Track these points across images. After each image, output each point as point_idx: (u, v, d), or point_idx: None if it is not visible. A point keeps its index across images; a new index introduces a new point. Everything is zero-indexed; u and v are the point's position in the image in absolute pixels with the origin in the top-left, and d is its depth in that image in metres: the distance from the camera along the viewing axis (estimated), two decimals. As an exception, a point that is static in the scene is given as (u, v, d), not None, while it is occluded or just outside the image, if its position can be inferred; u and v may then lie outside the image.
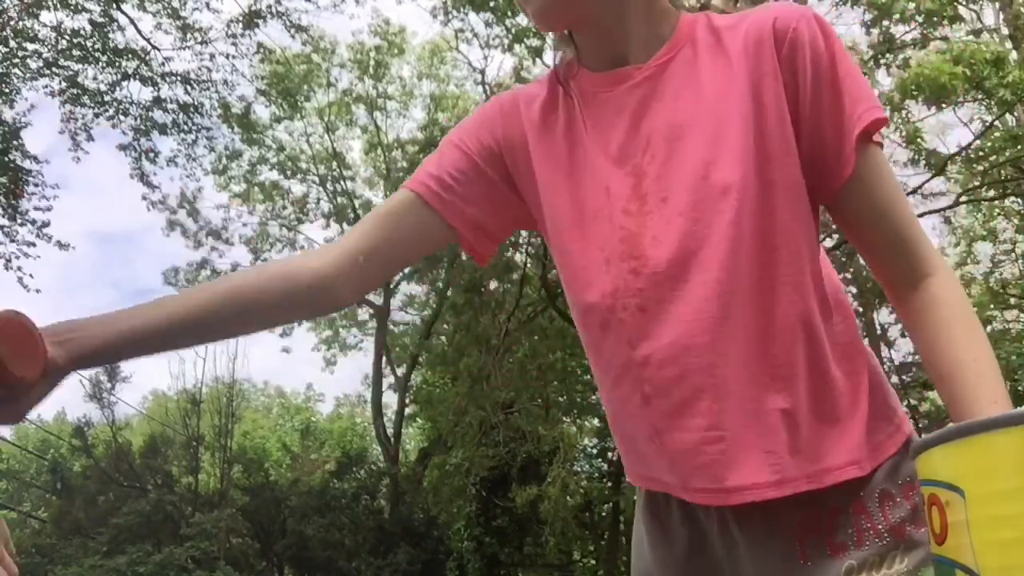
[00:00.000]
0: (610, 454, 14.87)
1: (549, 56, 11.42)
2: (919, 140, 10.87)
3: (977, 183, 12.22)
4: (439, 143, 1.12)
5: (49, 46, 12.08)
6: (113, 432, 16.13)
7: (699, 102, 0.95)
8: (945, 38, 10.66)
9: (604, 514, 14.22)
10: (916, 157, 11.35)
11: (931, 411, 14.26)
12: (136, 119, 13.17)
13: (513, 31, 11.84)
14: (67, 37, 12.06)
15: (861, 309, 14.50)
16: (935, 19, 10.26)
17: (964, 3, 11.21)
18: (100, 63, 12.54)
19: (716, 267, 0.90)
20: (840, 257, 10.80)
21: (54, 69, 12.22)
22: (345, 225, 19.39)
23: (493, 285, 13.68)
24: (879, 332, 14.96)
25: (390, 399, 19.05)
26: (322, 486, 15.68)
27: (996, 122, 11.45)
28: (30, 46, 11.90)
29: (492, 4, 11.93)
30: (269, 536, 15.43)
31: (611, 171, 0.98)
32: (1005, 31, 12.90)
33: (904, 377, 14.69)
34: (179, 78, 13.05)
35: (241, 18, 12.88)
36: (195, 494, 15.50)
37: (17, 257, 12.09)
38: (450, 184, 1.05)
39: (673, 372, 0.91)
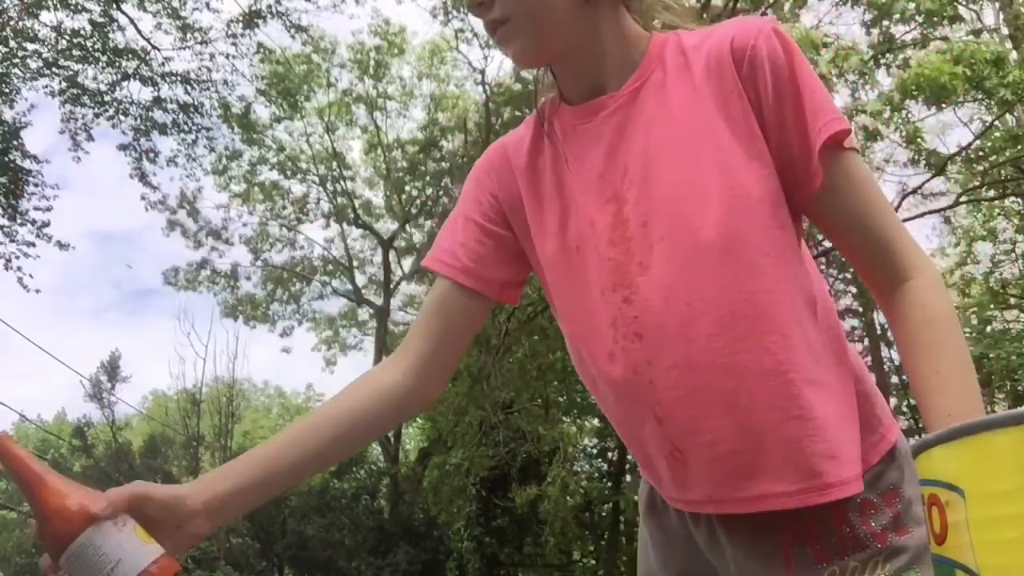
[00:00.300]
0: (610, 454, 14.88)
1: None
2: (919, 140, 10.87)
3: (977, 183, 12.21)
4: (450, 214, 1.16)
5: (49, 46, 12.08)
6: (113, 432, 16.14)
7: (671, 124, 0.97)
8: (945, 38, 10.66)
9: (604, 514, 14.21)
10: (916, 157, 11.35)
11: (931, 411, 14.26)
12: (136, 119, 13.19)
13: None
14: (67, 37, 12.06)
15: (861, 309, 14.51)
16: (935, 19, 10.26)
17: (964, 3, 11.21)
18: (100, 63, 12.54)
19: (701, 286, 0.92)
20: (840, 257, 10.79)
21: (54, 69, 12.22)
22: (345, 225, 19.42)
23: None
24: (879, 332, 14.96)
25: (390, 399, 19.05)
26: (322, 486, 15.67)
27: (996, 122, 11.45)
28: (30, 46, 11.91)
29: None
30: (269, 536, 15.44)
31: (593, 202, 1.01)
32: (1005, 31, 12.91)
33: (904, 377, 14.70)
34: (179, 78, 13.06)
35: (241, 18, 12.88)
36: (195, 494, 15.50)
37: (17, 257, 12.12)
38: (472, 258, 1.10)
39: (679, 394, 0.93)
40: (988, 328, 12.64)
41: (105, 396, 15.82)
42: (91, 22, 12.18)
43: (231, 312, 18.88)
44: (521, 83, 13.63)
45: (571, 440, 11.58)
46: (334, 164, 18.92)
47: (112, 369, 16.02)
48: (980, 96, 10.12)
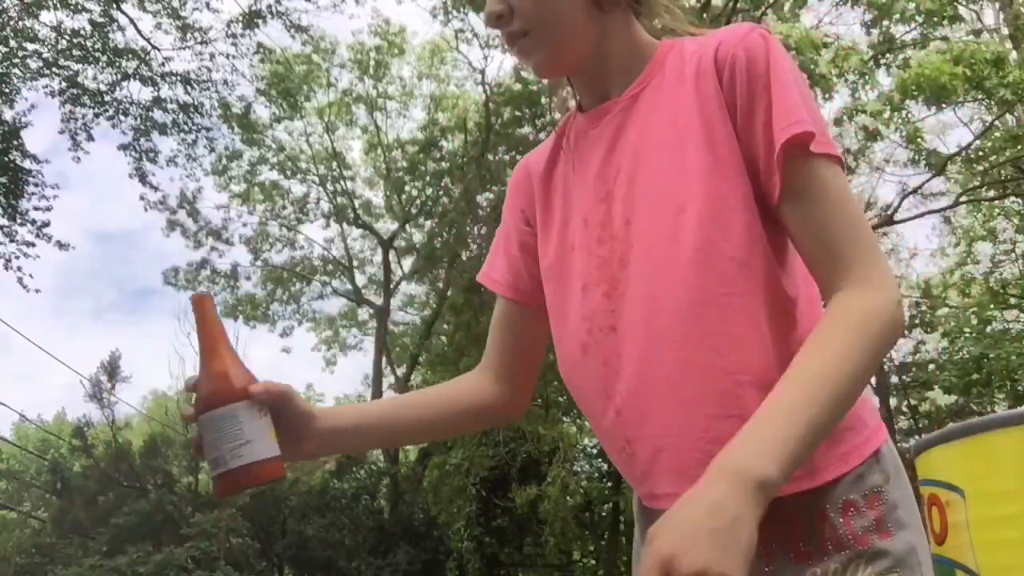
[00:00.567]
0: (610, 454, 14.86)
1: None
2: (919, 140, 10.87)
3: (977, 183, 12.21)
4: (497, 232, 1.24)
5: (49, 46, 12.08)
6: (113, 432, 16.13)
7: (663, 126, 1.00)
8: (945, 38, 10.66)
9: (604, 514, 14.22)
10: (916, 157, 11.35)
11: (931, 411, 14.26)
12: (136, 119, 13.18)
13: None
14: (67, 37, 12.06)
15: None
16: (935, 19, 10.26)
17: (964, 3, 11.21)
18: (100, 63, 12.54)
19: (670, 285, 0.95)
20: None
21: (54, 69, 12.22)
22: (345, 225, 19.42)
23: (493, 285, 13.66)
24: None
25: (390, 399, 19.06)
26: (322, 486, 15.67)
27: (996, 122, 11.45)
28: (30, 46, 11.91)
29: None
30: (269, 536, 15.43)
31: (589, 201, 1.06)
32: (1005, 31, 12.90)
33: (904, 377, 14.69)
34: (179, 78, 13.06)
35: (241, 18, 12.88)
36: (195, 494, 15.49)
37: (17, 257, 12.10)
38: (511, 271, 1.19)
39: (634, 386, 0.97)
40: (988, 328, 12.63)
41: (105, 396, 15.81)
42: (91, 22, 12.18)
43: (231, 312, 18.89)
44: (521, 83, 13.64)
45: (571, 440, 11.58)
46: (334, 164, 18.92)
47: (112, 369, 15.99)
48: (980, 96, 10.12)
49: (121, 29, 12.48)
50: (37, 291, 12.50)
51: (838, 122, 11.06)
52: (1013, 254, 13.83)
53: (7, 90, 11.58)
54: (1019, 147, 10.69)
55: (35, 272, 12.34)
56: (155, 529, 14.05)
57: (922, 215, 12.85)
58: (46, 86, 12.29)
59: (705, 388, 0.93)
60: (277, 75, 16.36)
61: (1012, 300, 13.04)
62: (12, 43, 11.70)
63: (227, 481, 0.93)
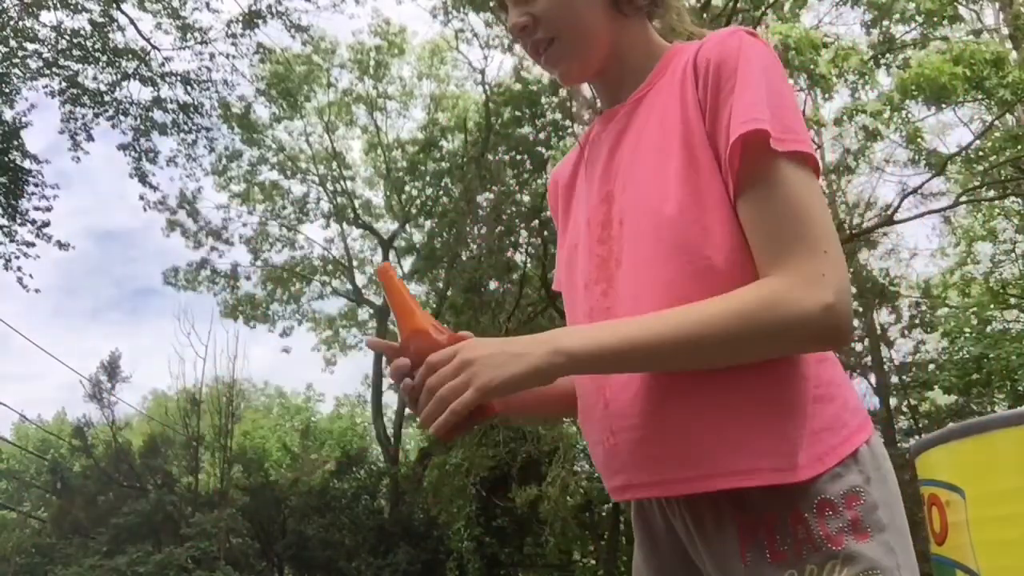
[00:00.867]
0: (610, 454, 14.84)
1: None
2: (919, 140, 10.87)
3: (977, 183, 12.21)
4: None
5: (49, 46, 12.07)
6: (113, 432, 16.11)
7: (655, 129, 1.04)
8: (945, 38, 10.67)
9: (604, 514, 14.21)
10: (916, 157, 11.35)
11: (931, 411, 14.26)
12: (136, 119, 13.17)
13: (513, 31, 11.83)
14: (67, 37, 12.05)
15: (861, 309, 14.50)
16: (935, 19, 10.26)
17: (964, 3, 11.21)
18: (100, 63, 12.53)
19: (653, 283, 0.99)
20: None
21: (54, 69, 12.21)
22: (345, 225, 19.42)
23: (493, 285, 13.67)
24: (879, 332, 14.96)
25: (390, 399, 19.05)
26: (322, 486, 15.66)
27: (996, 122, 11.45)
28: (30, 46, 11.90)
29: (492, 4, 11.92)
30: (269, 536, 15.42)
31: (594, 203, 1.10)
32: (1005, 31, 12.91)
33: (904, 377, 14.69)
34: (179, 78, 13.05)
35: (241, 18, 12.88)
36: (195, 494, 15.48)
37: (17, 257, 12.09)
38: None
39: (622, 380, 1.02)
40: (988, 328, 12.63)
41: (105, 396, 15.79)
42: (91, 22, 12.17)
43: (231, 312, 18.87)
44: (521, 83, 13.64)
45: (571, 440, 11.56)
46: (334, 164, 18.91)
47: (112, 369, 15.98)
48: (980, 96, 10.12)
49: (121, 29, 12.48)
50: (37, 291, 12.50)
51: (838, 122, 11.07)
52: (1013, 254, 13.83)
53: (7, 90, 11.58)
54: (1019, 147, 10.69)
55: (35, 272, 12.37)
56: (155, 529, 14.04)
57: (922, 215, 12.83)
58: (46, 86, 12.29)
59: (673, 381, 0.97)
60: (277, 75, 16.35)
61: (1012, 300, 13.04)
62: (12, 43, 11.69)
63: (457, 427, 0.97)
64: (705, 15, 9.72)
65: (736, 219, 0.97)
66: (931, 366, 13.89)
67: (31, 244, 12.12)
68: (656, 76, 1.08)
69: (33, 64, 11.99)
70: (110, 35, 12.39)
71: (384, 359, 1.04)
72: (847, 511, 0.92)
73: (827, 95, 9.88)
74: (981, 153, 11.59)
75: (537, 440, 11.86)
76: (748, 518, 0.94)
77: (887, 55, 10.86)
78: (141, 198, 15.46)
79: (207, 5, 12.75)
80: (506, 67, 14.86)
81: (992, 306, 12.96)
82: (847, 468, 0.94)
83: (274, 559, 15.63)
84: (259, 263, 19.20)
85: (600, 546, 14.48)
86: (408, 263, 18.85)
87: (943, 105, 10.43)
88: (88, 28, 12.17)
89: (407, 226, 18.62)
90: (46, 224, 12.18)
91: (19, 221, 11.98)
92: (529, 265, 13.46)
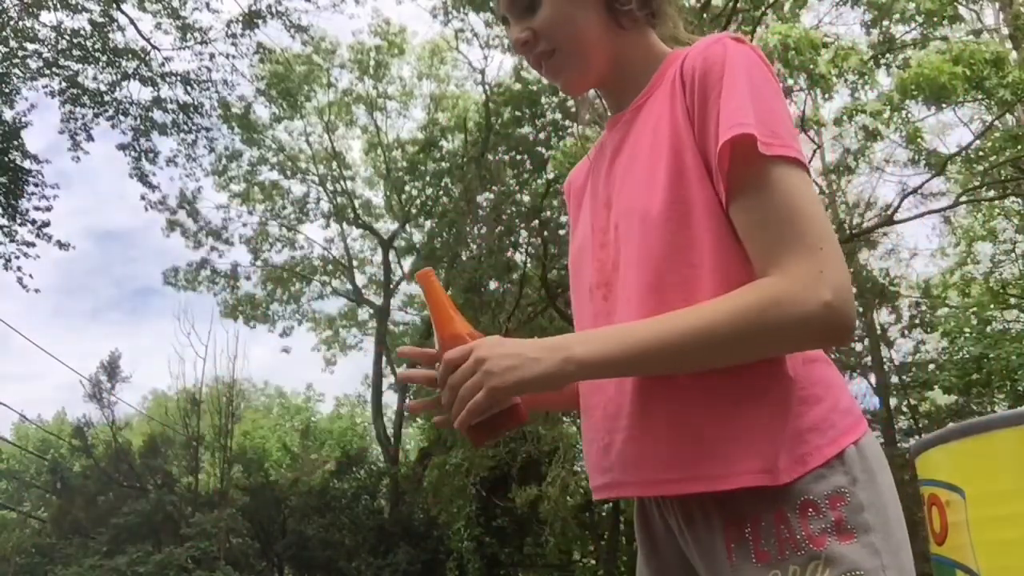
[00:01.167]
0: (610, 454, 14.82)
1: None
2: (919, 140, 10.86)
3: (977, 183, 12.20)
4: None
5: (49, 46, 12.07)
6: (113, 432, 16.11)
7: (649, 136, 1.06)
8: (945, 38, 10.66)
9: (604, 514, 14.21)
10: (916, 157, 11.34)
11: (931, 411, 14.26)
12: (136, 119, 13.17)
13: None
14: (67, 37, 12.05)
15: (861, 309, 14.49)
16: (935, 19, 10.26)
17: (964, 3, 11.21)
18: (100, 63, 12.53)
19: (645, 288, 1.01)
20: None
21: (54, 69, 12.21)
22: (345, 225, 19.42)
23: (493, 285, 13.67)
24: (879, 332, 14.96)
25: (390, 399, 19.06)
26: (322, 486, 15.65)
27: (996, 122, 11.44)
28: (30, 46, 11.90)
29: (492, 4, 11.90)
30: (269, 536, 15.42)
31: (597, 208, 1.14)
32: (1005, 31, 12.91)
33: (904, 377, 14.68)
34: (179, 78, 13.05)
35: (241, 18, 12.88)
36: (195, 494, 15.47)
37: (17, 257, 12.09)
38: None
39: (618, 382, 1.04)
40: (988, 328, 12.62)
41: (105, 396, 15.79)
42: (91, 22, 12.17)
43: (231, 312, 18.86)
44: (521, 83, 13.64)
45: (571, 440, 11.56)
46: (334, 164, 18.90)
47: (112, 369, 15.97)
48: (980, 96, 10.12)
49: (121, 29, 12.48)
50: (37, 291, 12.49)
51: (838, 122, 11.06)
52: (1013, 254, 13.83)
53: (7, 90, 11.58)
54: (1019, 147, 10.69)
55: (35, 272, 12.36)
56: (155, 529, 14.04)
57: (922, 215, 12.83)
58: (46, 86, 12.29)
59: (658, 387, 1.00)
60: (277, 75, 16.34)
61: (1012, 300, 13.04)
62: (12, 43, 11.69)
63: (484, 428, 1.01)
64: (705, 15, 9.71)
65: (722, 226, 0.98)
66: (931, 366, 13.88)
67: (31, 244, 12.13)
68: (654, 85, 1.10)
69: (33, 64, 12.00)
70: (110, 35, 12.39)
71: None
72: (831, 512, 0.92)
73: (827, 95, 9.87)
74: (981, 153, 11.58)
75: (537, 440, 11.86)
76: (734, 518, 0.96)
77: (887, 55, 10.86)
78: (141, 198, 15.45)
79: (207, 5, 12.76)
80: (506, 67, 14.88)
81: (992, 306, 12.96)
82: (832, 469, 0.94)
83: (274, 559, 15.63)
84: (259, 263, 19.21)
85: (600, 546, 14.47)
86: (408, 263, 18.86)
87: (943, 105, 10.42)
88: (88, 28, 12.17)
89: (407, 226, 18.61)
90: (46, 224, 12.19)
91: (19, 221, 11.99)
92: (529, 265, 13.46)
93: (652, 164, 1.04)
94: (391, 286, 19.06)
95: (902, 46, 10.94)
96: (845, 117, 10.65)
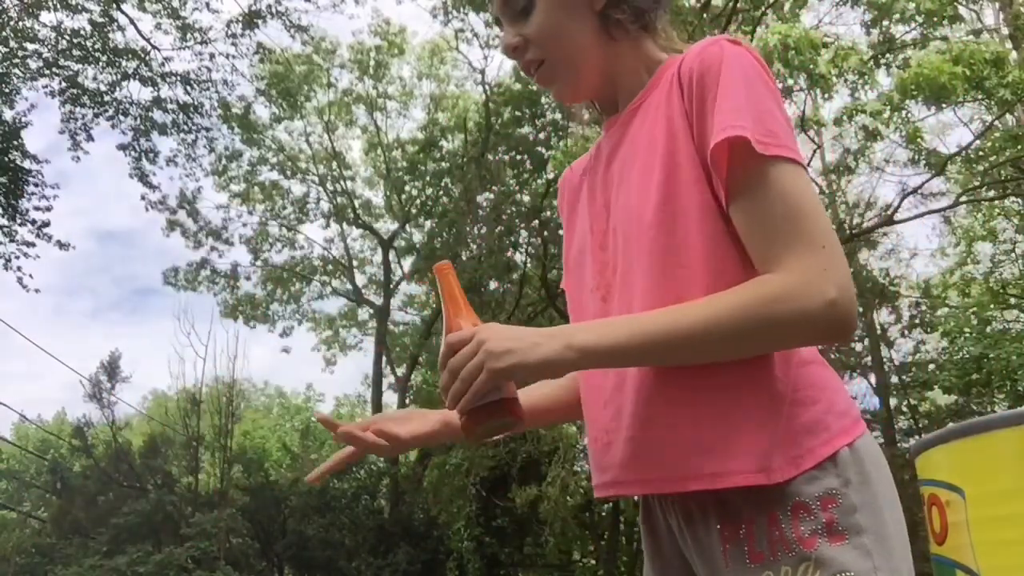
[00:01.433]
0: (610, 454, 14.81)
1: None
2: (919, 140, 10.86)
3: (977, 183, 12.21)
4: None
5: (49, 46, 12.08)
6: (113, 432, 16.11)
7: (644, 139, 1.07)
8: (945, 38, 10.66)
9: (604, 514, 14.21)
10: (916, 157, 11.34)
11: (931, 411, 14.26)
12: (136, 119, 13.17)
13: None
14: (67, 37, 12.06)
15: (861, 310, 14.49)
16: (935, 19, 10.25)
17: (964, 3, 11.21)
18: (100, 63, 12.53)
19: (641, 288, 1.02)
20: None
21: (54, 69, 12.21)
22: (345, 225, 19.42)
23: (493, 285, 13.68)
24: (879, 332, 14.96)
25: (390, 399, 19.05)
26: (322, 486, 15.64)
27: (996, 122, 11.44)
28: (30, 46, 11.90)
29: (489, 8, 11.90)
30: (269, 536, 15.43)
31: (596, 210, 1.14)
32: (1005, 31, 12.90)
33: (904, 377, 14.69)
34: (179, 78, 13.05)
35: (241, 18, 12.88)
36: (195, 494, 15.48)
37: (17, 257, 12.09)
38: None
39: (617, 381, 1.05)
40: (988, 328, 12.62)
41: (105, 396, 15.80)
42: (91, 22, 12.18)
43: (231, 312, 18.86)
44: (521, 83, 13.63)
45: (571, 440, 11.56)
46: (334, 164, 18.90)
47: (112, 369, 15.97)
48: (980, 96, 10.12)
49: (121, 29, 12.48)
50: (37, 291, 12.50)
51: (838, 122, 11.06)
52: (1013, 254, 13.83)
53: (7, 90, 11.58)
54: (1019, 147, 10.69)
55: (35, 272, 12.36)
56: (155, 529, 14.04)
57: (922, 215, 12.84)
58: (46, 86, 12.29)
59: (654, 383, 1.01)
60: (277, 75, 16.35)
61: (1012, 300, 13.04)
62: (12, 43, 11.69)
63: (482, 414, 1.00)
64: (705, 15, 9.72)
65: (717, 227, 0.99)
66: (931, 366, 13.88)
67: (31, 244, 12.13)
68: (649, 89, 1.11)
69: (33, 64, 12.01)
70: (110, 35, 12.39)
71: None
72: (822, 513, 0.93)
73: (827, 95, 9.87)
74: (981, 153, 11.58)
75: (537, 440, 11.86)
76: (730, 519, 0.97)
77: (887, 55, 10.86)
78: (141, 198, 15.46)
79: (207, 5, 12.76)
80: (506, 67, 14.86)
81: (992, 306, 12.96)
82: (824, 471, 0.95)
83: (274, 559, 15.63)
84: (259, 263, 19.21)
85: (600, 546, 14.48)
86: (408, 263, 18.86)
87: (943, 105, 10.43)
88: (88, 28, 12.18)
89: (407, 226, 18.61)
90: (46, 224, 12.19)
91: (19, 221, 11.98)
92: (529, 265, 13.47)
93: (648, 167, 1.04)
94: (391, 286, 19.06)
95: (902, 46, 10.94)
96: (845, 117, 10.65)
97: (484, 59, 17.04)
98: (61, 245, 12.38)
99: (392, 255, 19.02)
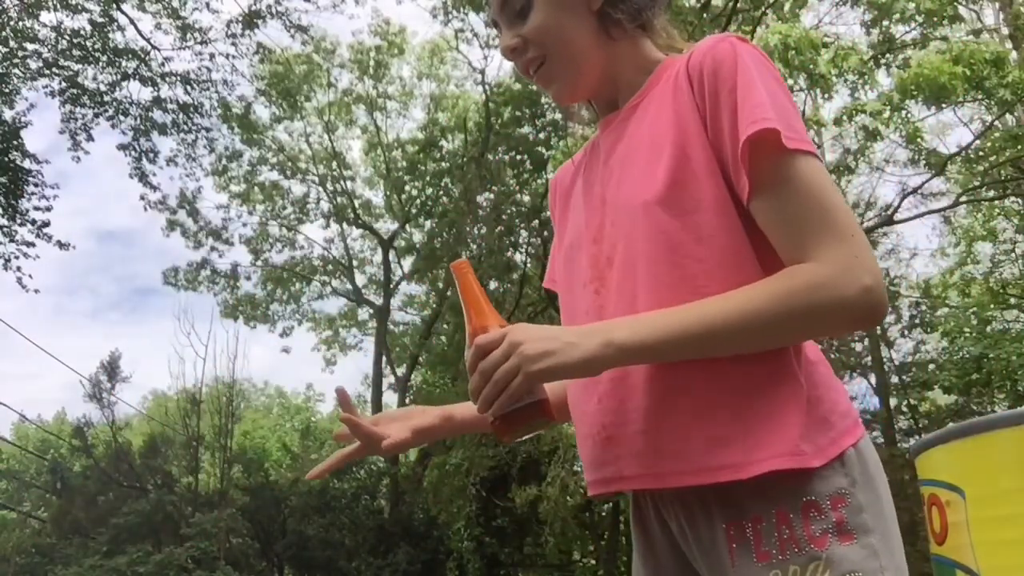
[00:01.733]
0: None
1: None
2: (919, 140, 10.86)
3: (977, 183, 12.21)
4: None
5: (49, 46, 12.08)
6: (113, 432, 16.11)
7: (646, 136, 1.07)
8: (945, 38, 10.67)
9: (604, 514, 14.20)
10: (916, 157, 11.35)
11: (931, 411, 14.25)
12: (136, 119, 13.17)
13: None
14: (67, 37, 12.06)
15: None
16: (935, 19, 10.26)
17: (964, 3, 11.21)
18: (100, 63, 12.53)
19: (640, 283, 1.01)
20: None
21: (54, 69, 12.21)
22: (345, 225, 19.42)
23: (493, 285, 13.67)
24: (879, 332, 14.95)
25: (390, 399, 19.06)
26: (322, 486, 15.62)
27: (996, 122, 11.45)
28: (30, 46, 11.91)
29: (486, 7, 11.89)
30: (269, 536, 15.43)
31: (591, 206, 1.14)
32: (1005, 31, 12.91)
33: (904, 377, 14.68)
34: (179, 78, 13.06)
35: (241, 18, 12.88)
36: (195, 494, 15.48)
37: (17, 257, 12.08)
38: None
39: (615, 375, 1.03)
40: (988, 328, 12.62)
41: (105, 396, 15.79)
42: (91, 22, 12.18)
43: (231, 312, 18.86)
44: (521, 83, 13.63)
45: (571, 440, 11.55)
46: (334, 164, 18.91)
47: (112, 369, 15.97)
48: (980, 96, 10.12)
49: (121, 29, 12.49)
50: (37, 291, 12.50)
51: (838, 122, 11.06)
52: (1013, 254, 13.82)
53: (7, 90, 11.58)
54: (1019, 147, 10.69)
55: (35, 272, 12.35)
56: (155, 529, 14.04)
57: (922, 215, 12.85)
58: (46, 86, 12.30)
59: (660, 376, 1.00)
60: (277, 75, 16.35)
61: (1012, 300, 13.03)
62: (12, 43, 11.69)
63: (516, 417, 0.98)
64: (705, 15, 9.72)
65: (734, 221, 0.99)
66: (931, 366, 13.88)
67: (31, 244, 12.13)
68: (649, 87, 1.11)
69: (33, 64, 12.01)
70: (110, 35, 12.40)
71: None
72: (832, 512, 0.93)
73: (827, 95, 9.88)
74: (981, 153, 11.59)
75: (537, 440, 11.85)
76: (736, 518, 0.96)
77: (887, 55, 10.86)
78: (141, 198, 15.46)
79: (207, 5, 12.77)
80: (506, 67, 14.85)
81: (992, 306, 12.95)
82: (833, 470, 0.95)
83: (274, 559, 15.63)
84: (259, 263, 19.22)
85: (600, 546, 14.47)
86: (408, 263, 18.87)
87: (943, 105, 10.43)
88: (88, 28, 12.18)
89: (407, 226, 18.62)
90: (46, 224, 12.19)
91: (19, 221, 11.98)
92: (529, 265, 13.47)
93: (651, 161, 1.04)
94: (391, 286, 19.06)
95: (902, 46, 10.95)
96: (845, 117, 10.66)
97: (484, 59, 17.02)
98: (61, 245, 12.39)
99: (392, 255, 19.02)
